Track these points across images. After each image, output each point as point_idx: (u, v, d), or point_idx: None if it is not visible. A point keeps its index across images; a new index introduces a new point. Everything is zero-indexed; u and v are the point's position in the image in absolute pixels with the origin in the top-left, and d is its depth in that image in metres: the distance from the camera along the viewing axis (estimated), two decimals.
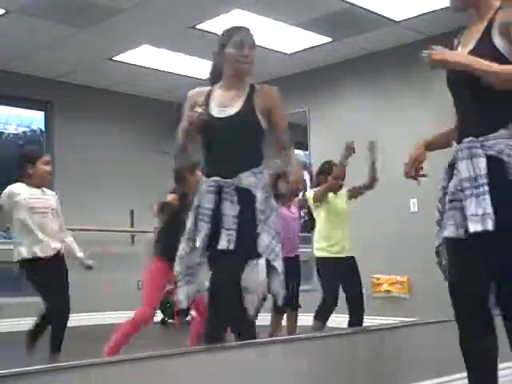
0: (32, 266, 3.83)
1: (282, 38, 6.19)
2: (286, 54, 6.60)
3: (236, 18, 5.72)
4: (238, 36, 2.84)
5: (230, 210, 2.60)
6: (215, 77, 2.88)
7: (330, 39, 6.24)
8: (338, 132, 6.72)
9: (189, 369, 2.30)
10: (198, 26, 5.82)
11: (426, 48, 2.05)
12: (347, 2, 5.40)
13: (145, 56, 6.47)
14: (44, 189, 4.05)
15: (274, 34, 6.05)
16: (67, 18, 5.55)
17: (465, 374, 2.17)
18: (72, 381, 2.04)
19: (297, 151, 8.61)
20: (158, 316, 7.12)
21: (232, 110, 2.76)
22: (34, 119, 7.59)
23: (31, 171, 3.99)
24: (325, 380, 2.67)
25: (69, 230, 4.30)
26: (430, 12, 5.55)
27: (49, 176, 4.09)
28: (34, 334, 3.80)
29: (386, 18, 5.75)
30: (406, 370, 2.90)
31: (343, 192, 4.85)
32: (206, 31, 5.88)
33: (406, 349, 2.94)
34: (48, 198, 4.04)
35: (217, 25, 5.83)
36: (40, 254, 3.82)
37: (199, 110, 2.66)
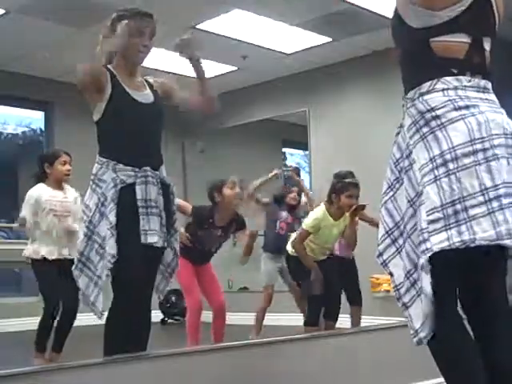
0: (37, 265, 3.89)
1: (282, 37, 6.19)
2: (285, 53, 6.60)
3: (236, 18, 5.72)
4: (140, 22, 2.62)
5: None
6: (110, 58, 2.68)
7: (330, 39, 6.23)
8: (338, 132, 6.72)
9: (189, 369, 2.30)
10: (197, 26, 5.82)
11: None
12: (347, 2, 5.40)
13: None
14: (67, 188, 4.13)
15: (274, 33, 6.05)
16: (67, 18, 5.55)
17: None
18: (72, 381, 2.04)
19: (296, 151, 8.66)
20: (158, 316, 7.13)
21: (149, 97, 2.65)
22: (33, 119, 7.59)
23: (49, 171, 4.06)
24: (325, 380, 2.67)
25: None
26: None
27: (65, 176, 4.12)
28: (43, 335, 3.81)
29: (386, 17, 5.73)
30: (405, 370, 2.90)
31: (346, 216, 4.21)
32: (206, 31, 5.89)
33: (405, 349, 2.93)
34: (69, 201, 4.08)
35: (217, 25, 5.85)
36: (46, 256, 3.87)
37: None
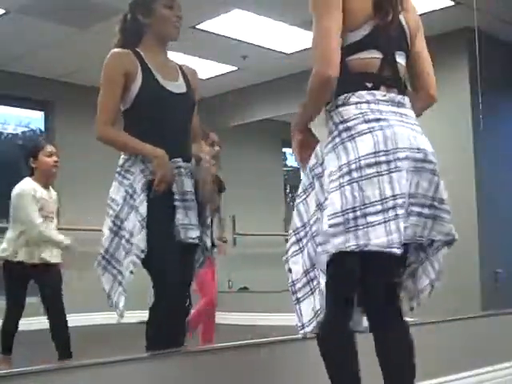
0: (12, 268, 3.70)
1: (282, 37, 6.19)
2: (285, 53, 6.60)
3: (236, 18, 5.72)
4: None
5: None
6: (136, 39, 2.53)
7: None
8: None
9: (189, 368, 2.30)
10: (198, 26, 5.82)
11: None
12: None
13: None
14: (50, 188, 3.88)
15: (274, 33, 6.05)
16: (67, 18, 5.55)
17: (464, 374, 2.17)
18: (73, 381, 2.04)
19: None
20: None
21: (181, 87, 2.52)
22: (33, 119, 7.59)
23: (34, 165, 3.79)
24: (326, 380, 2.67)
25: (72, 230, 4.26)
26: (429, 12, 5.54)
27: (54, 168, 3.82)
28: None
29: None
30: None
31: None
32: (206, 31, 5.89)
33: None
34: (51, 201, 3.85)
35: (217, 25, 5.85)
36: (23, 259, 3.67)
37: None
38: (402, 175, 1.81)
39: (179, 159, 2.43)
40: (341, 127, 1.86)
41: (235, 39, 6.13)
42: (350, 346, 1.93)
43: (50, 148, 3.84)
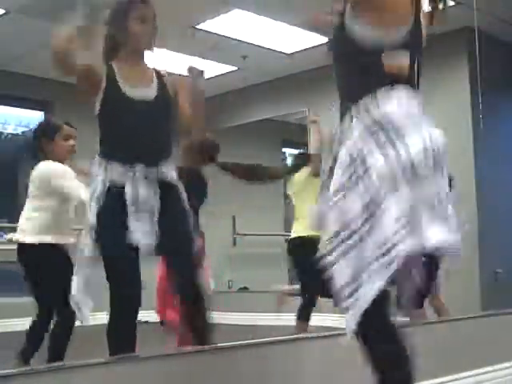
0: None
1: (282, 37, 6.19)
2: (285, 53, 6.60)
3: (236, 17, 5.72)
4: (138, 11, 2.59)
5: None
6: (113, 54, 2.61)
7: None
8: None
9: (189, 368, 2.30)
10: (198, 26, 5.82)
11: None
12: None
13: (144, 56, 6.47)
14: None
15: (274, 33, 6.05)
16: (67, 19, 5.55)
17: (464, 374, 2.17)
18: (73, 380, 2.04)
19: (296, 151, 8.66)
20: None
21: (151, 93, 2.57)
22: (33, 119, 7.59)
23: (48, 148, 3.32)
24: (326, 380, 2.67)
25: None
26: (429, 11, 5.55)
27: (69, 154, 3.38)
28: None
29: None
30: None
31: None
32: (206, 31, 5.89)
33: None
34: None
35: (217, 25, 5.85)
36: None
37: None
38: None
39: (141, 164, 2.44)
40: (383, 123, 1.83)
41: (235, 39, 6.14)
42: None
43: (68, 130, 3.42)
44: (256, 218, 8.03)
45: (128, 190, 2.41)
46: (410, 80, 1.94)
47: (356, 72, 1.97)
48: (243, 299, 7.26)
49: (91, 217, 2.40)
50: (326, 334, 2.91)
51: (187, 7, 5.38)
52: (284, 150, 8.98)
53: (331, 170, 1.95)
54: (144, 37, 2.58)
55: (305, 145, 7.29)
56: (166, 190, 2.50)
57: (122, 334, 2.41)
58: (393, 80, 1.89)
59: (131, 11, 2.56)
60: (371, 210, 1.79)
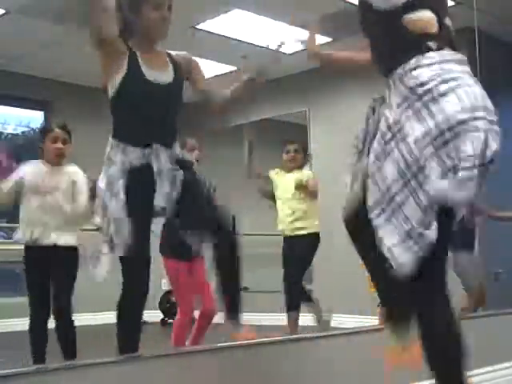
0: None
1: (282, 37, 6.18)
2: (285, 54, 6.60)
3: (236, 18, 5.72)
4: None
5: None
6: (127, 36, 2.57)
7: (330, 39, 6.23)
8: (338, 132, 6.72)
9: (189, 368, 2.30)
10: (198, 26, 5.82)
11: None
12: (347, 2, 5.40)
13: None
14: (67, 166, 3.56)
15: (274, 34, 6.05)
16: (67, 18, 5.55)
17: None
18: (73, 381, 2.04)
19: None
20: (158, 316, 7.13)
21: (168, 77, 2.59)
22: (33, 119, 7.59)
23: (41, 150, 3.52)
24: (326, 380, 2.67)
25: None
26: None
27: (55, 157, 3.49)
28: None
29: None
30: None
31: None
32: (206, 31, 5.89)
33: None
34: (61, 176, 3.50)
35: (217, 25, 5.85)
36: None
37: None
38: (480, 136, 1.79)
39: (158, 144, 2.49)
40: (420, 91, 1.82)
41: (235, 39, 6.14)
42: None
43: (55, 133, 3.51)
44: (256, 218, 8.02)
45: (155, 164, 2.46)
46: (446, 39, 1.90)
47: (386, 42, 1.97)
48: (243, 299, 7.27)
49: (121, 194, 2.40)
50: (326, 334, 2.92)
51: (187, 7, 5.37)
52: None
53: (365, 139, 2.01)
54: (157, 23, 2.55)
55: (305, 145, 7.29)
56: (182, 166, 2.59)
57: (134, 300, 2.50)
58: (424, 42, 1.86)
59: None
60: (412, 171, 1.80)
